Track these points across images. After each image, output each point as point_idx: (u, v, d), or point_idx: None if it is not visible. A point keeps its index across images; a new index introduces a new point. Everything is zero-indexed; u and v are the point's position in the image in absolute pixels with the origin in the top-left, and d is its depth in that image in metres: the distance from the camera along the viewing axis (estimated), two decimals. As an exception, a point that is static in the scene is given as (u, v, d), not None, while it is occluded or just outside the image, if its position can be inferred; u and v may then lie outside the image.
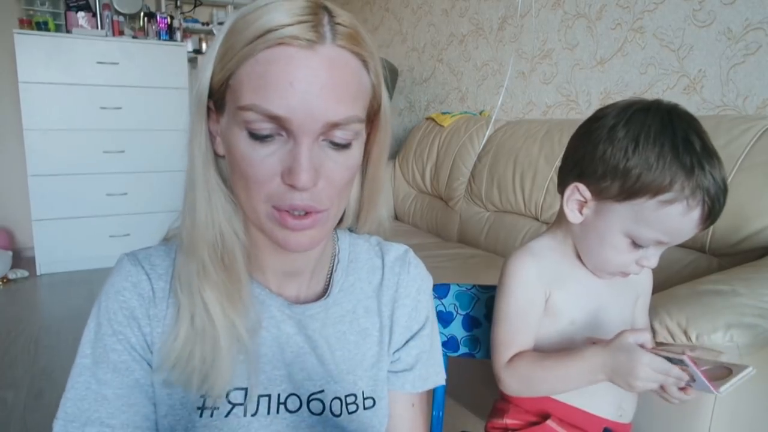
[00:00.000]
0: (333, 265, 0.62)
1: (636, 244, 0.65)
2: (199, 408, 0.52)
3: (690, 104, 1.67)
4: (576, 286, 0.73)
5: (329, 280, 0.61)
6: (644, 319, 0.82)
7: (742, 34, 1.52)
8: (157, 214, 3.19)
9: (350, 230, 0.65)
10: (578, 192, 0.68)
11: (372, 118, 0.52)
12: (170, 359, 0.50)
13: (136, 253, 0.55)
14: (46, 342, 2.18)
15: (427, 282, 0.66)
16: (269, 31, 0.43)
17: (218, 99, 0.48)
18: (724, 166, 0.63)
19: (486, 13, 2.51)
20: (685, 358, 0.58)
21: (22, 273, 2.96)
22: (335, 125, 0.46)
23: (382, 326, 0.61)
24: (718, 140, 1.33)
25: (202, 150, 0.50)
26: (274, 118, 0.44)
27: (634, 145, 0.62)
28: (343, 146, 0.48)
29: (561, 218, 0.74)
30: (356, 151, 0.50)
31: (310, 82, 0.44)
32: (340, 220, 0.61)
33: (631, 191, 0.62)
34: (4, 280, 2.89)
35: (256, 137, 0.45)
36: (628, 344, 0.63)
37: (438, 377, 0.65)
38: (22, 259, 3.19)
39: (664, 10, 1.73)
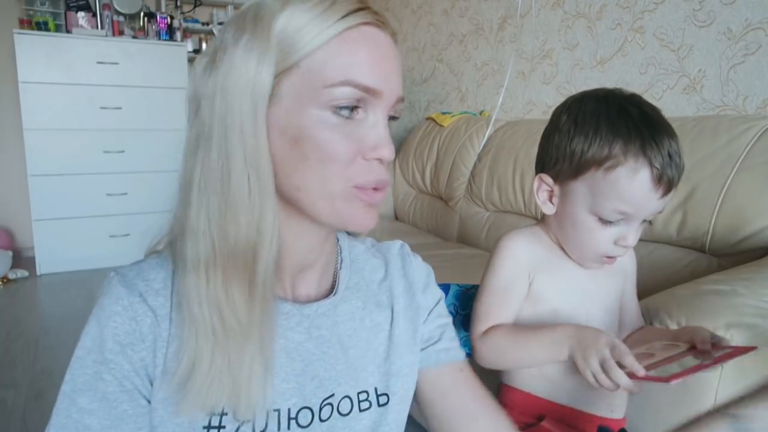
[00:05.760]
0: (338, 263, 0.62)
1: (604, 221, 0.67)
2: (205, 427, 0.49)
3: (690, 104, 1.67)
4: (561, 275, 0.75)
5: (335, 278, 0.61)
6: (633, 302, 0.83)
7: (742, 34, 1.52)
8: (156, 214, 3.17)
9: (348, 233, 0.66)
10: (543, 182, 0.72)
11: None
12: (192, 390, 0.46)
13: (126, 272, 0.51)
14: (46, 342, 2.18)
15: (430, 268, 0.68)
16: (350, 13, 0.46)
17: (272, 93, 0.47)
18: (672, 131, 0.65)
19: (486, 13, 2.51)
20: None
21: (22, 273, 2.96)
22: (400, 100, 0.50)
23: (393, 320, 0.61)
24: (718, 140, 1.33)
25: (262, 151, 0.46)
26: (368, 91, 0.46)
27: (574, 126, 0.67)
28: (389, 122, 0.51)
29: (543, 217, 0.78)
30: None
31: (391, 59, 0.49)
32: None
33: (579, 166, 0.66)
34: (4, 280, 2.89)
35: (342, 115, 0.46)
36: (598, 328, 0.66)
37: (461, 351, 0.66)
38: (22, 259, 3.19)
39: (664, 10, 1.73)
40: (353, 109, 0.47)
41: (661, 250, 1.42)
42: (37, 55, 2.85)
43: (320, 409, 0.54)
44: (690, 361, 0.61)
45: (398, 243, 0.68)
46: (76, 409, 0.47)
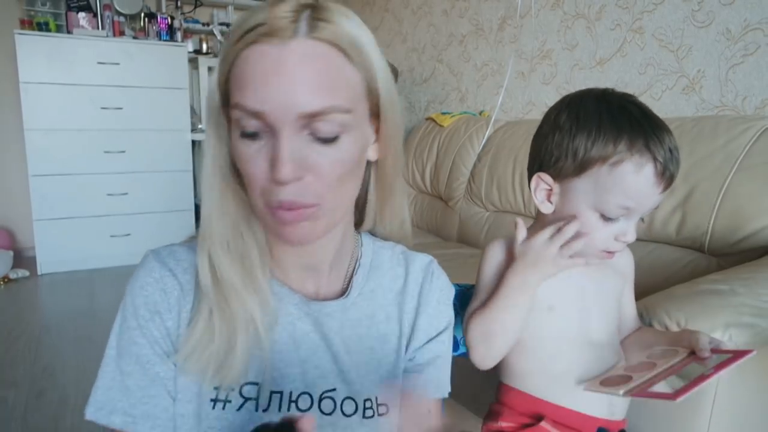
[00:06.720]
0: (354, 267, 0.62)
1: (606, 217, 0.67)
2: (212, 400, 0.53)
3: (689, 104, 1.68)
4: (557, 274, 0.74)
5: (349, 281, 0.61)
6: (631, 304, 0.83)
7: (741, 35, 1.52)
8: (157, 214, 3.20)
9: (374, 235, 0.67)
10: (542, 181, 0.72)
11: (375, 112, 0.54)
12: (187, 347, 0.52)
13: (160, 250, 0.57)
14: (47, 341, 2.19)
15: (449, 292, 0.67)
16: (249, 30, 0.46)
17: (227, 102, 0.50)
18: (668, 128, 0.66)
19: (486, 13, 2.52)
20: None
21: (23, 273, 2.96)
22: (313, 116, 0.46)
23: (401, 334, 0.62)
24: (718, 140, 1.33)
25: (215, 150, 0.53)
26: (255, 114, 0.46)
27: (576, 123, 0.67)
28: (330, 139, 0.48)
29: (538, 216, 0.78)
30: (349, 145, 0.49)
31: (282, 76, 0.45)
32: (362, 221, 0.64)
33: (583, 163, 0.66)
34: (5, 280, 2.89)
35: (245, 135, 0.48)
36: (522, 244, 0.70)
37: (444, 389, 0.65)
38: (23, 258, 3.20)
39: (663, 10, 1.73)
40: (253, 134, 0.47)
41: (660, 250, 1.42)
42: (38, 56, 2.85)
43: (320, 400, 0.56)
44: (693, 369, 0.62)
45: (428, 258, 0.68)
46: (119, 371, 0.53)
